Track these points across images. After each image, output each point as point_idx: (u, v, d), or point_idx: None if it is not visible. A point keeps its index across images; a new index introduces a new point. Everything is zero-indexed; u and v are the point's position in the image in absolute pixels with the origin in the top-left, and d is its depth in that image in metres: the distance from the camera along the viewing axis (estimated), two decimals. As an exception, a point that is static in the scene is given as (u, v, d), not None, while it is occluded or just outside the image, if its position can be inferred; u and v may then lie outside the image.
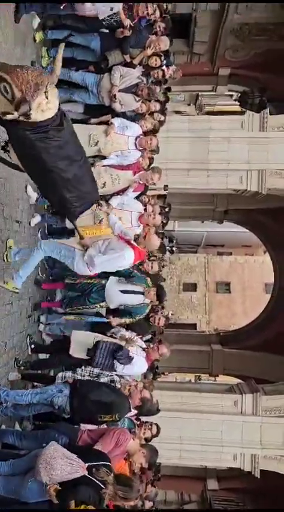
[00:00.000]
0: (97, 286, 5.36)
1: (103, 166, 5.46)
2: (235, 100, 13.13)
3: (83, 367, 4.71)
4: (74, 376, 4.56)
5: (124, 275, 5.44)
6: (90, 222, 5.36)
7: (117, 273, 5.44)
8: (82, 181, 3.51)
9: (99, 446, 3.73)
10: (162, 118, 6.33)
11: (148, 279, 5.50)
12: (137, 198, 5.83)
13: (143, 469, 4.45)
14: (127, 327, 5.36)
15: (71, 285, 5.56)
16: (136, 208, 5.57)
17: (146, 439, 4.75)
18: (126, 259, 4.68)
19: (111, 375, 4.70)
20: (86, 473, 3.30)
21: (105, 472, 3.33)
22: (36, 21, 5.44)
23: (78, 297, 5.50)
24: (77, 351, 5.00)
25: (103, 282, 5.39)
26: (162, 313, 6.01)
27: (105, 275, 5.49)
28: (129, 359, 4.75)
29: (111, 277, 5.41)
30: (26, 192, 5.38)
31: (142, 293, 5.34)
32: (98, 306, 5.44)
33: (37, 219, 5.63)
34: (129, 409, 4.41)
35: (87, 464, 3.34)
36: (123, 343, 4.92)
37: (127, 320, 5.40)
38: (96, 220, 5.29)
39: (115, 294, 5.30)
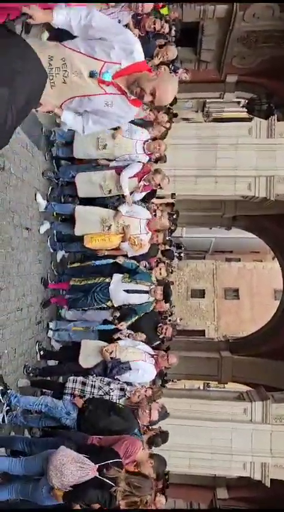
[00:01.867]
0: (102, 285, 5.41)
1: (109, 171, 5.50)
2: (242, 107, 13.15)
3: (94, 375, 4.72)
4: (85, 381, 4.57)
5: (129, 270, 5.42)
6: (98, 229, 5.40)
7: (121, 269, 5.42)
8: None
9: None
10: (168, 125, 6.38)
11: (153, 275, 5.52)
12: (143, 201, 5.86)
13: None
14: (134, 328, 5.38)
15: (76, 286, 5.56)
16: (144, 216, 5.60)
17: (155, 443, 4.73)
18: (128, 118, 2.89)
19: (121, 383, 4.70)
20: (97, 474, 3.31)
21: (115, 470, 3.33)
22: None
23: (82, 297, 5.50)
24: (86, 360, 5.02)
25: (107, 280, 5.43)
26: (169, 320, 6.02)
27: (109, 272, 5.49)
28: (122, 369, 4.78)
29: (115, 276, 5.44)
30: (35, 199, 5.44)
31: (147, 292, 5.36)
32: (104, 306, 5.46)
33: (46, 226, 5.68)
34: (138, 425, 4.43)
35: (97, 465, 3.34)
36: (123, 353, 4.96)
37: (133, 319, 5.45)
38: (104, 227, 5.32)
39: (120, 294, 5.33)
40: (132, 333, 5.30)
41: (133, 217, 5.47)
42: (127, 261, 5.51)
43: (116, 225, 5.32)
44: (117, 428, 4.15)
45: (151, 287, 5.43)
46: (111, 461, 3.44)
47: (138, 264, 5.53)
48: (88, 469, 3.33)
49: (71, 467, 3.31)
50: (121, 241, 5.40)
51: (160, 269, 5.94)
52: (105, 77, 2.51)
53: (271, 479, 7.88)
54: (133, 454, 3.80)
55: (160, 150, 5.62)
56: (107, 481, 3.27)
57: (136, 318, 5.47)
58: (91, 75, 2.52)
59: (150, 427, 5.10)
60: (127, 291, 5.36)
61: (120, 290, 5.35)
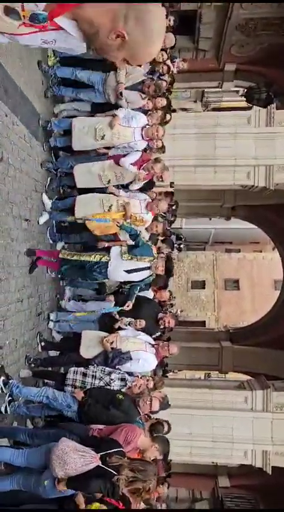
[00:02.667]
0: (100, 265, 5.19)
1: (108, 161, 5.48)
2: (241, 95, 13.05)
3: (95, 365, 4.74)
4: (86, 372, 4.58)
5: (131, 235, 5.14)
6: (99, 209, 5.38)
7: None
8: None
9: None
10: (168, 117, 6.35)
11: (154, 248, 5.33)
12: (142, 191, 5.84)
13: (156, 460, 4.46)
14: (136, 317, 5.36)
15: (66, 260, 5.38)
16: (143, 198, 5.60)
17: (157, 430, 4.76)
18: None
19: (122, 373, 4.72)
20: (100, 463, 3.34)
21: (117, 458, 3.36)
22: None
23: (78, 270, 5.30)
24: (87, 351, 5.03)
25: (104, 259, 5.18)
26: (170, 312, 6.02)
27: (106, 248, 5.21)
28: (123, 359, 4.79)
29: (113, 251, 5.17)
30: (41, 200, 5.53)
31: (149, 267, 5.27)
32: (99, 281, 5.36)
33: (45, 217, 5.67)
34: (139, 414, 4.46)
35: (99, 454, 3.37)
36: (124, 343, 4.96)
37: (136, 292, 5.31)
38: (105, 207, 5.30)
39: (120, 274, 5.20)
40: (133, 320, 5.28)
41: (133, 198, 5.46)
42: (126, 224, 5.09)
43: (116, 205, 5.28)
44: (117, 421, 4.18)
45: (152, 262, 5.24)
46: (113, 450, 3.47)
47: (138, 232, 5.15)
48: (90, 457, 3.36)
49: (73, 455, 3.34)
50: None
51: (159, 261, 5.92)
52: (37, 20, 1.49)
53: (272, 467, 7.95)
54: (133, 440, 3.83)
55: (158, 136, 5.57)
56: (109, 469, 3.30)
57: (139, 289, 5.31)
58: (11, 14, 1.47)
59: (151, 416, 5.14)
60: (128, 271, 5.14)
61: (119, 271, 5.16)
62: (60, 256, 5.26)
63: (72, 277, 5.46)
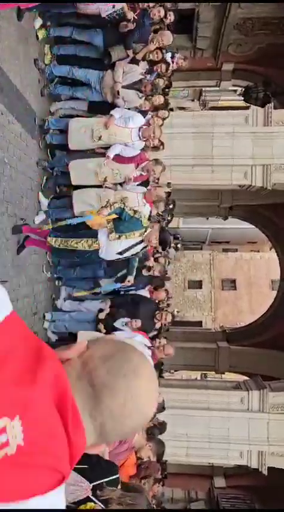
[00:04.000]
0: (90, 254, 5.08)
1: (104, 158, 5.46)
2: (239, 95, 13.04)
3: None
4: None
5: (117, 213, 4.98)
6: (96, 206, 5.35)
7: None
8: None
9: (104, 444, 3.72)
10: (166, 114, 6.30)
11: (144, 218, 5.12)
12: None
13: (149, 460, 4.43)
14: (133, 316, 5.34)
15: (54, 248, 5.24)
16: (140, 190, 5.53)
17: (153, 433, 4.74)
18: None
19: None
20: (90, 494, 3.31)
21: (109, 490, 3.33)
22: (38, 20, 5.43)
23: (71, 255, 5.20)
24: None
25: (93, 247, 4.99)
26: (167, 310, 6.00)
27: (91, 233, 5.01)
28: None
29: (100, 237, 4.96)
30: (38, 199, 5.49)
31: (142, 241, 5.14)
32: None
33: (41, 216, 5.63)
34: None
35: (92, 485, 3.34)
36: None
37: (136, 265, 5.26)
38: (102, 202, 5.26)
39: (114, 256, 5.13)
40: (129, 320, 5.27)
41: (130, 191, 5.42)
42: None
43: (114, 200, 5.23)
44: None
45: (144, 234, 5.07)
46: (107, 479, 3.43)
47: (123, 207, 4.91)
48: (81, 492, 3.34)
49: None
50: None
51: (158, 259, 5.90)
52: None
53: (268, 468, 7.94)
54: (128, 439, 3.80)
55: (155, 136, 5.54)
56: (99, 503, 3.28)
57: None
58: None
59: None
60: (120, 253, 5.02)
61: (112, 253, 5.04)
62: (48, 239, 5.03)
63: (67, 257, 5.29)
